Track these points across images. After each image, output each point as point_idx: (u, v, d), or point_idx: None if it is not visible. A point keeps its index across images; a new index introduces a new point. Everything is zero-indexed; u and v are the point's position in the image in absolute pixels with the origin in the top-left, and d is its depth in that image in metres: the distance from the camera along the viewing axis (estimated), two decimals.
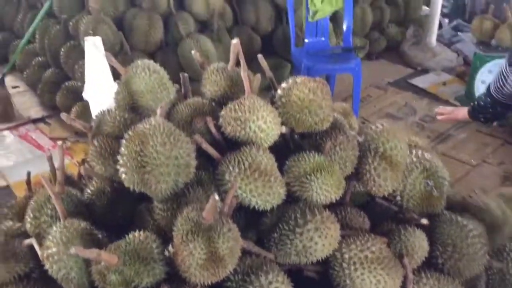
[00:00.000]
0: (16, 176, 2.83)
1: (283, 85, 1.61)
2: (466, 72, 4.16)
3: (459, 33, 4.65)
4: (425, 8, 5.19)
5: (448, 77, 4.23)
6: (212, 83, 1.66)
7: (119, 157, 1.34)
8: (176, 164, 1.30)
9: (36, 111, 3.60)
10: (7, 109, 3.43)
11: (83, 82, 3.03)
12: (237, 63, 1.70)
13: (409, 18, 5.03)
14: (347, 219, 1.56)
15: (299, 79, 1.60)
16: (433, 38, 4.55)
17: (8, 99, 3.46)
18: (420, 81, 4.16)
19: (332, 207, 1.54)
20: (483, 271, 1.68)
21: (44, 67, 3.73)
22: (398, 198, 1.65)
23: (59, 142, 1.43)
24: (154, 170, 1.27)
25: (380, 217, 1.68)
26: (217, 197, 1.20)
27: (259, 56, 1.67)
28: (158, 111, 1.45)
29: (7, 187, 2.80)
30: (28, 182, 1.96)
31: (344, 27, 3.77)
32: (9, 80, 3.78)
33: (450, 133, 3.42)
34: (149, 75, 1.62)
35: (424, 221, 1.63)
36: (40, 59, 3.84)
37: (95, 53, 1.83)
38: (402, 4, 4.99)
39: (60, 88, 3.43)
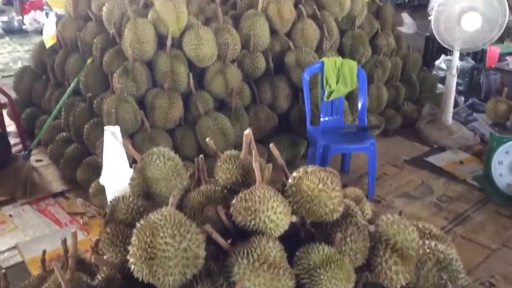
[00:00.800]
0: (32, 251, 2.85)
1: (294, 174, 1.64)
2: (483, 150, 4.15)
3: (474, 113, 4.69)
4: (440, 86, 5.28)
5: (465, 156, 4.22)
6: (224, 171, 1.70)
7: (129, 247, 1.36)
8: (185, 256, 1.31)
9: (56, 185, 3.68)
10: (31, 184, 3.52)
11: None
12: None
13: (425, 96, 5.11)
14: None
15: (310, 168, 1.63)
16: (449, 116, 4.59)
17: (32, 174, 3.56)
18: (436, 160, 4.16)
19: None
20: None
21: (68, 143, 3.85)
22: None
23: (72, 231, 1.46)
24: (162, 262, 1.29)
25: None
26: None
27: (271, 145, 1.71)
28: (170, 200, 1.49)
29: (23, 263, 2.82)
30: (43, 260, 1.97)
31: (359, 106, 3.85)
32: (33, 154, 3.90)
33: (468, 214, 3.37)
34: (163, 162, 1.67)
35: None
36: (64, 134, 3.98)
37: (113, 141, 1.91)
38: (417, 83, 5.09)
39: (81, 163, 3.52)
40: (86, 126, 3.58)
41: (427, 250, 1.63)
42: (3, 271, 1.91)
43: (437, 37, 4.18)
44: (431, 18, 7.79)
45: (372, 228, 1.62)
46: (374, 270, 1.55)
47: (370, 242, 1.60)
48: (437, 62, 6.05)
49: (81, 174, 3.49)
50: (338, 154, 3.98)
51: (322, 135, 3.63)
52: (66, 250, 1.68)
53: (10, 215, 3.30)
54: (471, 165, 4.07)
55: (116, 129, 1.95)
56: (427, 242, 1.68)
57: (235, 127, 3.75)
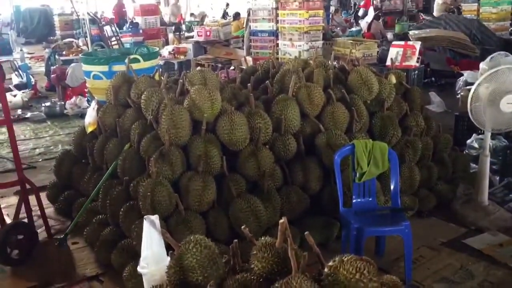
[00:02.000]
0: None
1: (330, 263, 1.64)
2: None
3: (511, 194, 4.60)
4: (473, 165, 5.23)
5: (505, 238, 4.08)
6: (260, 259, 1.72)
7: None
8: None
9: (91, 269, 3.72)
10: (67, 268, 3.57)
11: (138, 241, 3.17)
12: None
13: (458, 175, 5.06)
14: None
15: (346, 257, 1.64)
16: (484, 197, 4.50)
17: (69, 259, 3.62)
18: (475, 242, 4.03)
19: None
20: None
21: (104, 225, 3.94)
22: None
23: None
24: None
25: None
26: None
27: (306, 233, 1.74)
28: None
29: None
30: None
31: (392, 187, 3.84)
32: (70, 237, 3.98)
33: None
34: (200, 251, 1.71)
35: None
36: (100, 217, 4.07)
37: (152, 230, 1.97)
38: (450, 162, 5.06)
39: (116, 246, 3.57)
40: (122, 209, 3.67)
41: None
42: None
43: (470, 116, 4.16)
44: (459, 96, 7.89)
45: None
46: None
47: None
48: (468, 141, 6.02)
49: (116, 257, 3.53)
50: (372, 237, 3.92)
51: (355, 217, 3.61)
52: None
53: None
54: (511, 248, 3.93)
55: (155, 218, 2.02)
56: None
57: (267, 208, 3.77)
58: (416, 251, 3.89)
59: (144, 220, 2.03)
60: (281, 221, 1.67)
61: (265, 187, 3.93)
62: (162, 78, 4.14)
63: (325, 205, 4.18)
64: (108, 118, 4.43)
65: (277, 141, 4.11)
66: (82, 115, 6.83)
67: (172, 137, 3.71)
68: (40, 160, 6.74)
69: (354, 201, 3.83)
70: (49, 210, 4.94)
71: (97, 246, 3.82)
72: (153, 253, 1.94)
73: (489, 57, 4.22)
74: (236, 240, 1.98)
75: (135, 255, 3.37)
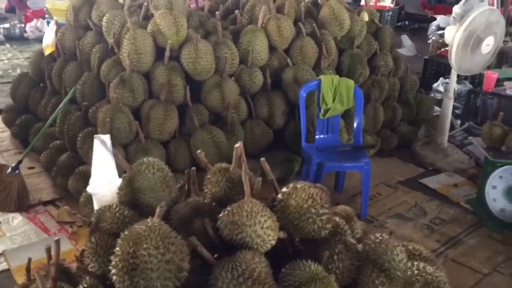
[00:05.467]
0: (18, 259, 2.81)
1: (284, 189, 1.63)
2: (477, 174, 4.14)
3: (470, 137, 4.69)
4: (437, 108, 5.29)
5: (460, 179, 4.20)
6: (213, 184, 1.69)
7: (112, 257, 1.34)
8: (167, 268, 1.29)
9: (47, 193, 3.65)
10: (22, 195, 3.49)
11: None
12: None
13: (421, 118, 5.12)
14: None
15: (299, 184, 1.62)
16: (444, 139, 4.59)
17: (23, 186, 3.53)
18: (431, 182, 4.14)
19: None
20: None
21: (61, 151, 3.83)
22: None
23: (55, 238, 1.44)
24: (144, 273, 1.27)
25: None
26: None
27: (262, 160, 1.71)
28: (157, 211, 1.47)
29: (8, 270, 2.78)
30: (28, 269, 1.94)
31: (355, 125, 3.85)
32: (26, 161, 3.87)
33: (461, 238, 3.35)
34: (153, 173, 1.66)
35: None
36: (58, 142, 3.96)
37: (103, 149, 1.90)
38: (414, 104, 5.10)
39: (74, 172, 3.50)
40: (80, 135, 3.57)
41: (416, 272, 1.62)
42: None
43: (449, 58, 4.07)
44: (430, 41, 7.86)
45: (360, 247, 1.60)
46: None
47: (358, 261, 1.58)
48: (434, 85, 6.07)
49: (73, 183, 3.46)
50: (332, 173, 3.96)
51: (317, 152, 3.62)
52: (50, 259, 1.65)
53: None
54: (465, 188, 4.06)
55: (106, 137, 1.94)
56: (415, 263, 1.66)
57: (230, 141, 3.73)
58: (374, 188, 3.97)
59: (95, 139, 1.95)
60: (236, 145, 1.63)
61: (228, 120, 3.87)
62: (126, 0, 3.92)
63: (288, 140, 4.17)
64: (67, 40, 4.21)
65: (243, 73, 4.01)
66: (42, 39, 6.52)
67: (134, 62, 3.56)
68: None
69: (317, 137, 3.84)
70: (6, 134, 4.79)
71: (54, 172, 3.74)
72: (104, 173, 1.89)
73: (462, 0, 4.13)
74: (193, 168, 1.94)
75: None
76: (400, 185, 4.11)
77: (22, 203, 3.46)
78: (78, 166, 3.53)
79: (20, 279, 2.51)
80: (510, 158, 3.46)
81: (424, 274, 1.60)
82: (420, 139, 4.81)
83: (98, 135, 1.95)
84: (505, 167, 3.42)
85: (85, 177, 3.40)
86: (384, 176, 4.22)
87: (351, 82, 3.83)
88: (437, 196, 3.93)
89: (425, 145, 4.66)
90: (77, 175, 3.46)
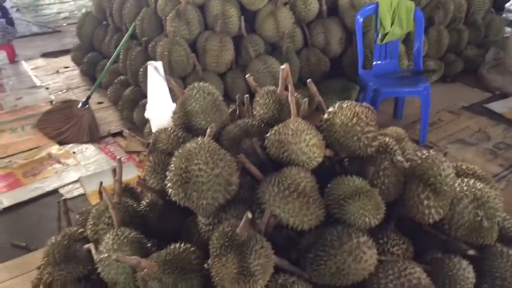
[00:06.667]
0: (92, 185, 3.07)
1: (330, 109, 1.65)
2: None
3: None
4: (508, 29, 4.96)
5: None
6: (261, 106, 1.74)
7: (167, 173, 1.45)
8: (217, 182, 1.38)
9: (115, 126, 3.89)
10: (92, 128, 3.74)
11: None
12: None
13: (490, 39, 4.82)
14: (389, 244, 1.56)
15: (345, 104, 1.64)
16: None
17: (94, 120, 3.78)
18: (497, 106, 3.97)
19: (374, 231, 1.55)
20: None
21: (125, 85, 4.02)
22: (446, 226, 1.62)
23: (118, 157, 1.56)
24: (196, 186, 1.37)
25: (427, 245, 1.65)
26: (250, 215, 1.27)
27: (309, 81, 1.73)
28: (208, 131, 1.55)
29: (84, 195, 3.05)
30: (100, 192, 2.13)
31: (415, 50, 3.71)
32: (95, 97, 4.10)
33: None
34: (203, 97, 1.73)
35: (472, 252, 1.59)
36: (122, 78, 4.14)
37: (156, 76, 1.98)
38: (483, 26, 4.80)
39: (138, 105, 3.68)
40: (141, 70, 3.70)
41: (464, 188, 1.62)
42: (63, 198, 2.08)
43: None
44: None
45: (406, 164, 1.62)
46: (406, 204, 1.57)
47: (404, 178, 1.60)
48: (507, 4, 5.64)
49: (138, 115, 3.65)
50: (391, 101, 3.89)
51: (374, 79, 3.55)
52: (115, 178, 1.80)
53: (74, 152, 3.54)
54: None
55: (159, 64, 2.02)
56: (465, 180, 1.66)
57: None
58: (435, 115, 3.88)
59: (148, 66, 2.04)
60: (282, 66, 1.65)
61: (284, 49, 3.85)
62: None
63: (345, 68, 4.11)
64: None
65: (298, 0, 3.93)
66: None
67: None
68: (65, 24, 6.73)
69: (374, 63, 3.75)
70: (75, 72, 5.06)
71: (120, 105, 3.95)
72: (158, 98, 1.99)
73: None
74: (247, 95, 1.99)
75: None
76: (463, 111, 3.98)
77: (93, 135, 3.71)
78: (141, 99, 3.70)
79: (94, 202, 2.76)
80: None
81: (473, 190, 1.60)
82: (487, 62, 4.56)
83: (150, 61, 2.04)
84: None
85: None
86: (447, 102, 4.09)
87: (411, 4, 3.65)
88: (503, 120, 3.78)
89: (492, 68, 4.43)
90: (141, 107, 3.63)
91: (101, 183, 2.11)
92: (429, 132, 3.58)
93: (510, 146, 3.44)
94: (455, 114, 3.94)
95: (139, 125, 3.63)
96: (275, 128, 1.57)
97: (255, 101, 1.78)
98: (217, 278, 1.26)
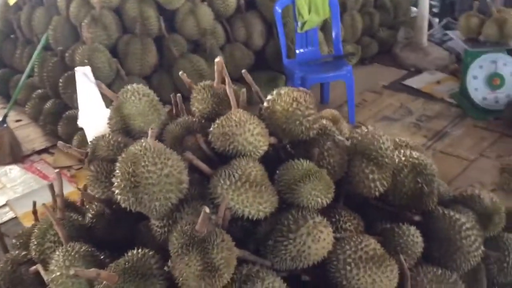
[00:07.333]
0: (23, 207, 2.89)
1: (268, 97, 1.66)
2: (458, 69, 4.20)
3: (448, 31, 4.70)
4: (414, 9, 5.25)
5: (442, 76, 4.27)
6: (200, 101, 1.72)
7: (113, 179, 1.40)
8: (168, 182, 1.35)
9: (39, 143, 3.68)
10: (14, 147, 3.52)
11: None
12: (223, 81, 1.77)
13: (399, 20, 5.09)
14: (341, 221, 1.60)
15: (283, 90, 1.66)
16: (424, 39, 4.60)
17: (13, 138, 3.55)
18: (414, 82, 4.21)
19: (326, 211, 1.59)
20: (481, 262, 1.71)
21: (45, 99, 3.82)
22: (391, 197, 1.70)
23: (56, 170, 1.49)
24: (147, 189, 1.33)
25: (375, 217, 1.72)
26: (207, 210, 1.25)
27: (243, 71, 1.73)
28: (149, 133, 1.51)
29: (16, 218, 2.87)
30: (35, 211, 2.02)
31: (333, 36, 3.84)
32: (12, 115, 3.87)
33: (446, 130, 3.46)
34: (139, 99, 1.68)
35: (417, 218, 1.68)
36: (40, 91, 3.93)
37: (86, 82, 1.91)
38: (391, 7, 5.06)
39: (61, 118, 3.51)
40: (61, 81, 3.54)
41: (402, 158, 1.70)
42: None
43: None
44: None
45: (348, 143, 1.67)
46: (352, 181, 1.62)
47: (347, 156, 1.65)
48: None
49: (62, 128, 3.49)
50: (317, 87, 4.00)
51: (299, 67, 3.64)
52: (54, 194, 1.71)
53: None
54: (448, 84, 4.14)
55: (87, 69, 1.94)
56: (402, 151, 1.74)
57: (211, 67, 3.70)
58: (359, 96, 4.04)
59: (76, 72, 1.96)
60: (216, 60, 1.64)
61: (207, 46, 3.84)
62: None
63: (269, 60, 4.17)
64: None
65: None
66: None
67: None
68: None
69: (297, 52, 3.83)
70: None
71: (41, 121, 3.75)
72: (91, 105, 1.91)
73: None
74: (179, 94, 1.97)
75: None
76: (384, 89, 4.18)
77: (16, 155, 3.50)
78: (65, 112, 3.53)
79: (28, 224, 2.60)
80: (488, 47, 3.50)
81: (411, 159, 1.68)
82: (400, 42, 4.82)
83: (78, 67, 1.95)
84: (484, 56, 3.48)
85: (74, 121, 3.41)
86: (368, 83, 4.27)
87: None
88: (421, 95, 4.01)
89: (405, 47, 4.68)
90: (65, 120, 3.48)
91: (34, 203, 2.00)
92: (356, 113, 3.73)
93: (431, 117, 3.66)
94: (377, 93, 4.13)
95: (66, 139, 3.47)
96: (217, 121, 1.56)
97: (192, 97, 1.76)
98: (181, 278, 1.24)
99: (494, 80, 3.47)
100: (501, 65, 3.48)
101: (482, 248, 1.64)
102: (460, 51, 4.38)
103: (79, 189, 1.78)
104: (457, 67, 4.32)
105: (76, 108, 3.41)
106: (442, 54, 4.55)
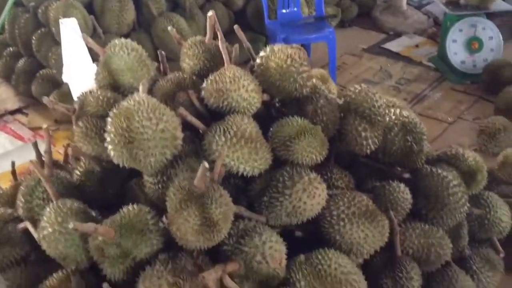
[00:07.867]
0: None
1: (261, 53, 1.63)
2: (437, 33, 4.23)
3: None
4: None
5: (420, 39, 4.30)
6: (191, 57, 1.67)
7: (106, 135, 1.36)
8: (163, 137, 1.32)
9: (12, 103, 3.56)
10: None
11: (58, 69, 3.01)
12: (215, 36, 1.72)
13: None
14: (333, 179, 1.62)
15: (276, 47, 1.63)
16: (403, 2, 4.60)
17: None
18: (393, 46, 4.22)
19: (318, 169, 1.59)
20: (464, 218, 1.76)
21: (17, 57, 3.66)
22: (380, 155, 1.72)
23: (44, 126, 1.44)
24: (142, 144, 1.30)
25: (365, 175, 1.74)
26: (206, 165, 1.24)
27: (236, 27, 1.69)
28: (141, 87, 1.47)
29: None
30: (13, 172, 1.97)
31: None
32: None
33: (425, 93, 3.50)
34: (127, 53, 1.63)
35: (406, 175, 1.70)
36: (11, 49, 3.76)
37: (71, 35, 1.83)
38: None
39: (35, 77, 3.39)
40: (34, 38, 3.40)
41: (393, 117, 1.71)
42: None
43: None
44: None
45: (340, 100, 1.67)
46: (345, 138, 1.62)
47: (340, 113, 1.65)
48: None
49: (37, 88, 3.37)
50: None
51: (281, 28, 3.59)
52: (38, 153, 1.66)
53: None
54: (426, 47, 4.17)
55: (72, 21, 1.86)
56: (392, 110, 1.76)
57: (191, 27, 3.64)
58: (339, 59, 4.02)
59: (60, 24, 1.87)
60: (209, 14, 1.60)
61: (186, 5, 3.73)
62: None
63: (250, 20, 4.09)
64: None
65: None
66: None
67: None
68: None
69: (279, 12, 3.77)
70: None
71: (14, 80, 3.61)
72: (77, 60, 1.84)
73: None
74: (162, 51, 1.91)
75: (57, 84, 3.23)
76: (364, 53, 4.18)
77: None
78: (39, 70, 3.41)
79: (6, 184, 2.53)
80: (468, 10, 3.52)
81: (401, 118, 1.70)
82: (379, 5, 4.80)
83: (63, 19, 1.86)
84: (464, 19, 3.50)
85: (48, 81, 3.32)
86: (348, 46, 4.26)
87: None
88: (400, 58, 4.03)
89: (384, 10, 4.67)
90: (39, 79, 3.36)
91: (13, 163, 1.95)
92: (337, 76, 3.73)
93: (410, 80, 3.70)
94: (357, 56, 4.13)
95: (40, 99, 3.35)
96: (210, 77, 1.53)
97: (183, 53, 1.72)
98: (179, 233, 1.23)
99: (473, 44, 3.51)
100: (480, 29, 3.52)
101: (468, 205, 1.69)
102: (439, 15, 4.39)
103: (68, 145, 1.74)
104: (435, 31, 4.35)
105: (51, 66, 3.30)
106: (421, 17, 4.56)
